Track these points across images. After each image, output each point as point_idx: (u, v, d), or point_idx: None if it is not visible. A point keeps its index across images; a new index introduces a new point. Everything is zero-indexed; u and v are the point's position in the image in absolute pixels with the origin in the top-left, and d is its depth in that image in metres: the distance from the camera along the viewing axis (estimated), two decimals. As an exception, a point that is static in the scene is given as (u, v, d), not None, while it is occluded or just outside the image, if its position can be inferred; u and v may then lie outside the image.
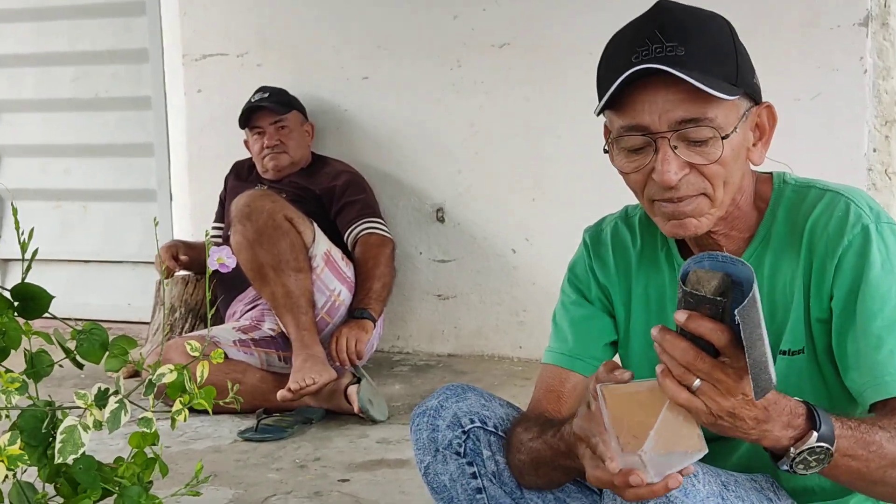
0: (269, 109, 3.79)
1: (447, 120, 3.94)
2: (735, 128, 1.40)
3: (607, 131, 1.50)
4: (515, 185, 3.87)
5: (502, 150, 3.88)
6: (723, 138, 1.39)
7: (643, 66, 1.36)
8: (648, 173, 1.42)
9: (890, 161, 3.41)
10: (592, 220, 1.72)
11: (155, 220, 1.45)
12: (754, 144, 1.47)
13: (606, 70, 1.44)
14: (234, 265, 1.37)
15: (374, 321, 3.47)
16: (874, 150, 3.41)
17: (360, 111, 4.08)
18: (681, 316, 1.21)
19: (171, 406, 1.64)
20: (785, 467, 1.30)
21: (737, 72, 1.40)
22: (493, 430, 1.62)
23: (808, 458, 1.28)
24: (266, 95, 3.83)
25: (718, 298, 1.18)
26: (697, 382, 1.22)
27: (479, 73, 3.88)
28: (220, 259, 1.35)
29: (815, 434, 1.27)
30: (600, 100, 1.43)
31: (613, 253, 1.64)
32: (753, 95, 1.45)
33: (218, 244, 3.77)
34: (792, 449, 1.28)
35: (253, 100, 3.83)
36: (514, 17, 3.80)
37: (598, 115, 1.46)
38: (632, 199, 1.69)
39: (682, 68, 1.35)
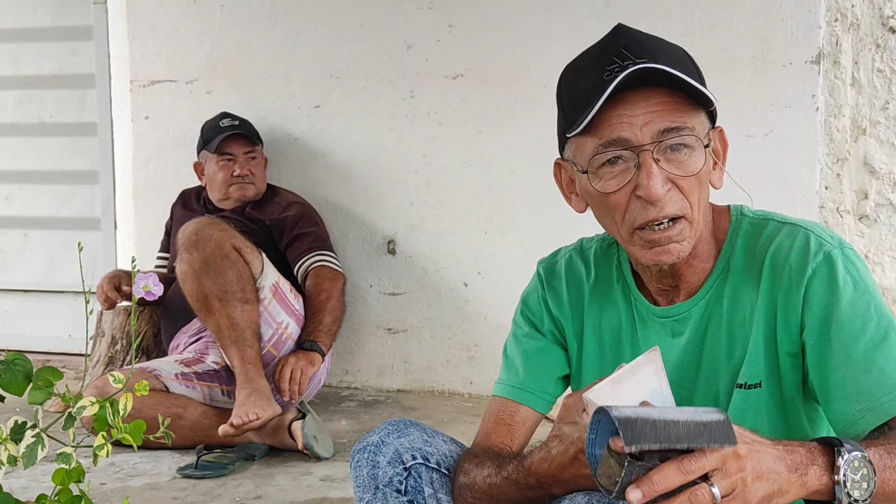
0: (245, 137, 3.72)
1: (400, 150, 3.90)
2: (710, 138, 1.40)
3: (558, 169, 1.46)
4: (468, 218, 3.83)
5: (455, 181, 3.84)
6: (705, 146, 1.38)
7: (637, 66, 1.31)
8: (630, 193, 1.38)
9: (842, 199, 3.41)
10: (546, 254, 1.70)
11: (79, 245, 1.36)
12: (714, 168, 1.45)
13: (575, 93, 1.40)
14: (160, 293, 1.29)
15: (324, 355, 3.39)
16: (826, 188, 3.41)
17: (310, 140, 4.02)
18: (634, 495, 1.11)
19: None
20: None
21: (704, 86, 1.40)
22: (436, 466, 1.56)
23: (855, 476, 1.19)
24: (237, 123, 3.75)
25: (626, 462, 1.12)
26: (715, 489, 1.12)
27: (432, 103, 3.84)
28: (147, 287, 1.27)
29: (845, 446, 1.19)
30: (572, 122, 1.39)
31: (567, 285, 1.62)
32: (713, 116, 1.44)
33: (163, 273, 3.71)
34: (840, 464, 1.19)
35: (222, 124, 3.73)
36: (469, 48, 3.77)
37: (569, 138, 1.42)
38: (586, 233, 1.65)
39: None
